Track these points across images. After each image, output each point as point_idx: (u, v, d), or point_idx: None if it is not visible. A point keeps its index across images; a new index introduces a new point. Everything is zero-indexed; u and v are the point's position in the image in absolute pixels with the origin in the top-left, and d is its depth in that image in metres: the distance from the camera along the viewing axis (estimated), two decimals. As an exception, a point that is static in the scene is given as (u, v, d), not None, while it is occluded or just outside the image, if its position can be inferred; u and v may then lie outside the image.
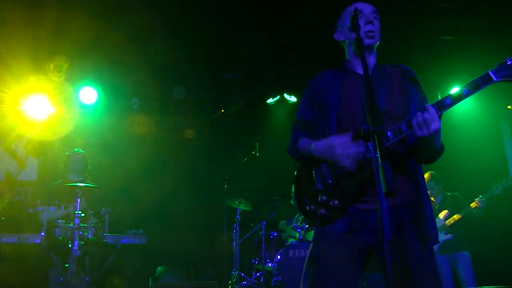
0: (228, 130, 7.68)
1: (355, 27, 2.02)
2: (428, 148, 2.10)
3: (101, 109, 7.02)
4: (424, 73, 6.34)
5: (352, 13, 2.05)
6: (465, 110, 7.32)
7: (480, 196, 5.63)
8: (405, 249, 2.03)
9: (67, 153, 5.52)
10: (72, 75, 6.40)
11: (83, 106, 6.85)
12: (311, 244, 2.27)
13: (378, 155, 1.61)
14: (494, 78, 1.98)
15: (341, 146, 2.11)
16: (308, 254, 2.24)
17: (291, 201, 5.89)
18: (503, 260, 6.24)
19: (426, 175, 5.95)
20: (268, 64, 6.73)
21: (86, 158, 5.53)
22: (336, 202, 2.14)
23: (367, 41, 2.29)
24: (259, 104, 7.53)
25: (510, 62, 1.98)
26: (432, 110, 1.96)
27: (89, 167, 5.50)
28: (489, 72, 1.99)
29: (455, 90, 2.03)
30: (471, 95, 2.00)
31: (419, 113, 1.97)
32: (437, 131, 1.97)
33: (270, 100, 7.50)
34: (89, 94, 6.80)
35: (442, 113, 2.02)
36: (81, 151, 5.56)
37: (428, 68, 6.32)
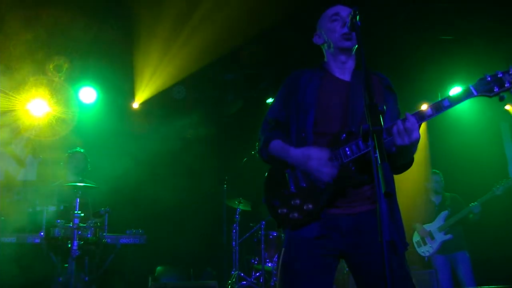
0: (228, 130, 7.68)
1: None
2: (404, 156, 2.12)
3: (101, 108, 7.02)
4: (424, 72, 6.36)
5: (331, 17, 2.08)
6: (465, 111, 7.32)
7: (475, 202, 5.63)
8: (377, 254, 2.02)
9: (68, 152, 5.50)
10: (71, 75, 6.39)
11: (83, 106, 6.85)
12: (283, 249, 2.25)
13: (377, 155, 1.60)
14: (474, 93, 2.05)
15: (318, 161, 2.09)
16: (280, 260, 2.22)
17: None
18: (503, 260, 6.25)
19: (433, 172, 6.00)
20: (268, 64, 6.73)
21: (86, 157, 5.53)
22: (310, 206, 2.12)
23: (344, 43, 2.29)
24: (259, 104, 7.54)
25: (489, 79, 2.04)
26: (412, 119, 1.98)
27: (89, 166, 5.49)
28: (470, 86, 2.06)
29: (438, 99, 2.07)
30: (451, 107, 2.06)
31: (400, 121, 1.99)
32: (417, 140, 1.99)
33: (269, 100, 7.50)
34: (89, 94, 6.80)
35: (421, 123, 2.04)
36: (81, 150, 5.55)
37: (428, 68, 6.32)
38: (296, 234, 2.18)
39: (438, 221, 5.79)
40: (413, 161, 2.23)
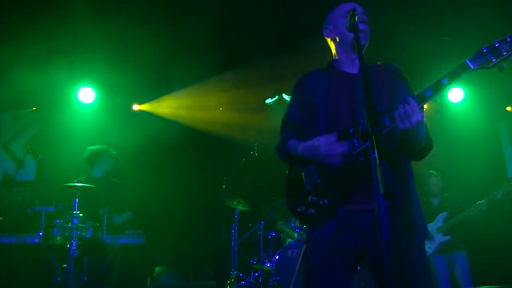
0: (227, 130, 7.67)
1: (353, 27, 2.01)
2: (413, 142, 2.11)
3: (100, 108, 7.03)
4: (423, 73, 6.36)
5: (350, 13, 2.04)
6: (464, 111, 7.34)
7: (482, 200, 5.64)
8: (398, 248, 2.02)
9: (97, 148, 5.53)
10: (71, 74, 6.40)
11: (82, 106, 6.86)
12: (304, 245, 2.28)
13: (376, 155, 1.61)
14: (472, 66, 1.99)
15: (326, 146, 2.11)
16: (301, 255, 2.25)
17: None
18: (500, 260, 6.26)
19: (430, 174, 6.00)
20: (267, 64, 6.74)
21: (116, 157, 5.62)
22: (325, 201, 2.15)
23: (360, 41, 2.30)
24: (258, 104, 7.55)
25: (486, 50, 1.99)
26: (413, 102, 1.96)
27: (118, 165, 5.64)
28: (466, 60, 2.00)
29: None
30: (450, 85, 2.00)
31: (401, 106, 1.97)
32: (419, 123, 1.96)
33: (268, 100, 7.52)
34: (88, 94, 6.82)
35: (423, 105, 2.02)
36: (112, 150, 5.61)
37: (427, 68, 6.32)
38: (315, 230, 2.22)
39: (437, 222, 5.80)
40: (430, 144, 2.21)
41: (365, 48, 2.37)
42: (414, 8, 5.38)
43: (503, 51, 1.96)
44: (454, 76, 1.99)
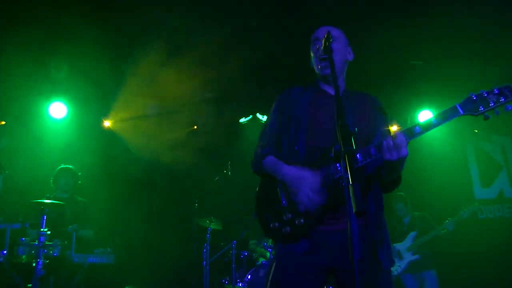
0: (201, 148, 7.64)
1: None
2: (390, 173, 2.17)
3: (71, 124, 6.90)
4: (393, 95, 6.52)
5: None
6: (433, 132, 7.51)
7: (448, 219, 5.78)
8: (366, 269, 2.05)
9: (58, 168, 5.56)
10: (42, 89, 6.29)
11: (53, 121, 6.73)
12: (273, 262, 2.27)
13: (349, 175, 1.63)
14: (461, 112, 2.10)
15: (310, 186, 2.13)
16: (270, 272, 2.23)
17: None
18: (470, 279, 6.39)
19: (395, 197, 6.08)
20: (241, 84, 6.78)
21: (76, 174, 5.59)
22: (302, 221, 2.16)
23: (320, 72, 2.40)
24: (232, 123, 7.56)
25: (475, 98, 2.10)
26: (401, 137, 2.02)
27: (79, 182, 5.59)
28: (457, 105, 2.11)
29: (424, 118, 2.14)
30: (438, 125, 2.11)
31: (390, 137, 2.03)
32: (405, 157, 2.03)
33: (242, 120, 7.54)
34: (59, 109, 6.69)
35: (410, 140, 2.08)
36: (70, 166, 5.59)
37: (397, 91, 6.49)
38: (286, 248, 2.21)
39: (407, 241, 5.88)
40: (400, 179, 2.27)
41: (329, 75, 2.37)
42: (382, 33, 5.53)
43: (490, 102, 2.08)
44: (443, 118, 2.10)
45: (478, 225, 7.10)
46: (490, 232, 7.18)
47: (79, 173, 5.66)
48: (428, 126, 2.10)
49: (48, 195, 5.17)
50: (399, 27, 5.47)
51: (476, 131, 7.95)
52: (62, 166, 5.59)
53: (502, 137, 7.98)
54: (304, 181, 2.14)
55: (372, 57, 5.88)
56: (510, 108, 2.07)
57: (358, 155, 2.09)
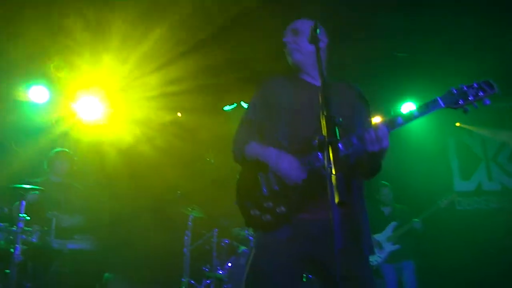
0: (184, 135, 7.60)
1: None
2: (371, 163, 2.22)
3: (54, 109, 6.77)
4: (377, 87, 6.55)
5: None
6: (415, 125, 7.59)
7: (417, 219, 5.89)
8: (346, 258, 2.07)
9: (53, 152, 5.43)
10: (23, 73, 6.16)
11: (33, 105, 6.58)
12: (252, 250, 2.27)
13: (332, 165, 1.64)
14: (442, 104, 2.16)
15: (290, 162, 2.16)
16: (249, 260, 2.24)
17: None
18: (448, 269, 6.53)
19: (381, 184, 6.18)
20: (227, 71, 6.73)
21: (72, 158, 5.48)
22: (283, 209, 2.17)
23: (292, 59, 2.47)
24: (216, 110, 7.52)
25: (455, 92, 2.17)
26: (384, 129, 2.07)
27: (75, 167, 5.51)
28: (438, 98, 2.17)
29: (405, 110, 2.18)
30: (420, 117, 2.16)
31: (372, 129, 2.07)
32: (386, 148, 2.08)
33: (227, 107, 7.51)
34: (40, 93, 6.53)
35: (392, 131, 2.12)
36: (66, 150, 5.50)
37: (381, 83, 6.51)
38: (266, 236, 2.23)
39: (387, 232, 5.96)
40: (381, 167, 2.31)
41: (305, 64, 2.45)
42: (370, 24, 5.53)
43: (469, 96, 2.16)
44: (425, 110, 2.16)
45: (456, 217, 7.23)
46: (467, 224, 7.32)
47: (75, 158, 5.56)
48: (410, 118, 2.15)
49: (35, 180, 5.08)
50: (385, 18, 5.48)
51: (458, 124, 8.06)
52: (58, 150, 5.47)
53: (483, 131, 8.11)
54: (286, 156, 2.18)
55: (356, 48, 5.89)
56: (488, 102, 2.15)
57: (340, 145, 2.11)
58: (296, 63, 2.45)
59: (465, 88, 2.17)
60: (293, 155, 2.19)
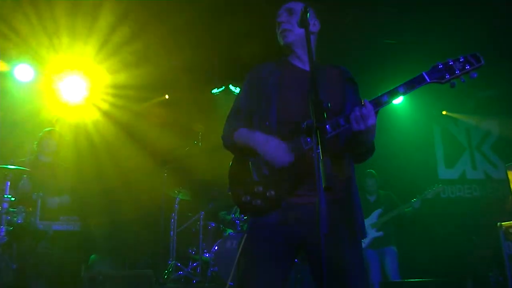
0: (171, 118, 7.56)
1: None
2: (362, 143, 2.18)
3: (39, 87, 6.66)
4: (366, 74, 6.57)
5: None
6: (401, 113, 7.66)
7: (415, 199, 5.95)
8: (336, 242, 2.08)
9: (44, 131, 5.35)
10: (7, 51, 6.04)
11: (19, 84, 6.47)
12: (245, 234, 2.29)
13: (320, 150, 1.65)
14: (427, 80, 2.13)
15: (276, 145, 2.15)
16: (240, 245, 2.26)
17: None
18: (427, 255, 6.66)
19: (368, 174, 6.22)
20: (215, 54, 6.69)
21: (62, 138, 5.45)
22: (272, 192, 2.17)
23: (281, 41, 2.43)
24: (204, 93, 7.49)
25: (441, 66, 2.14)
26: (369, 106, 2.04)
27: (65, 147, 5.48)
28: (423, 73, 2.15)
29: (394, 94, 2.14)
30: (406, 93, 2.14)
31: (357, 108, 2.04)
32: (373, 126, 2.05)
33: (215, 90, 7.47)
34: (25, 71, 6.41)
35: (378, 110, 2.11)
36: (56, 129, 5.45)
37: (369, 70, 6.53)
38: (257, 220, 2.24)
39: (371, 218, 6.04)
40: (373, 149, 2.29)
41: (295, 44, 2.41)
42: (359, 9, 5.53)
43: (456, 70, 2.12)
44: (410, 86, 2.13)
45: (439, 204, 7.35)
46: (450, 211, 7.47)
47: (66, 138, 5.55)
48: (395, 94, 2.12)
49: (22, 159, 5.03)
50: (373, 5, 5.48)
51: (444, 112, 8.14)
52: (48, 129, 5.40)
53: (468, 119, 8.21)
54: (272, 139, 2.17)
55: (345, 35, 5.89)
56: (475, 75, 2.12)
57: (327, 126, 2.10)
58: (287, 45, 2.41)
59: (451, 62, 2.14)
60: (281, 140, 2.19)
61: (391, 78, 6.88)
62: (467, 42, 5.69)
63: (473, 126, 8.28)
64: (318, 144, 1.66)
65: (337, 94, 2.32)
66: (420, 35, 6.00)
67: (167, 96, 7.56)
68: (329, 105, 1.76)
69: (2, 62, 6.14)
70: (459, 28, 5.74)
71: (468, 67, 2.12)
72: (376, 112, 2.08)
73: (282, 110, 2.27)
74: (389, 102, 2.12)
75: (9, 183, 4.32)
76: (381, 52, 6.39)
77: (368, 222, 5.99)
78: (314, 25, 2.46)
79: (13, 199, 4.31)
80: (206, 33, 6.10)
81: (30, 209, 4.50)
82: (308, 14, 2.06)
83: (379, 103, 2.10)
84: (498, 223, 5.46)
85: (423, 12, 5.53)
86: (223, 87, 7.42)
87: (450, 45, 5.85)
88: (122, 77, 6.65)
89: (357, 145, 2.20)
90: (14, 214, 4.38)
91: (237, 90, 7.27)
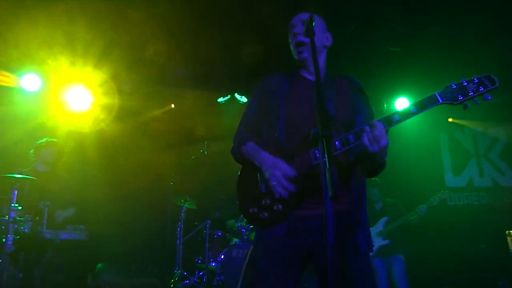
0: (177, 127, 7.58)
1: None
2: (375, 161, 2.15)
3: (46, 97, 6.70)
4: (370, 82, 6.57)
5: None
6: (407, 120, 7.61)
7: (421, 205, 5.91)
8: (343, 254, 2.07)
9: (42, 141, 5.37)
10: (15, 61, 6.09)
11: (26, 93, 6.51)
12: (252, 246, 2.29)
13: (326, 159, 1.64)
14: (440, 100, 2.09)
15: (281, 173, 2.12)
16: (248, 255, 2.26)
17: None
18: (435, 264, 6.59)
19: (371, 182, 6.18)
20: (220, 63, 6.71)
21: (62, 149, 5.46)
22: (280, 206, 2.17)
23: (297, 56, 2.39)
24: (210, 102, 7.51)
25: (454, 87, 2.09)
26: (380, 126, 2.01)
27: (65, 157, 5.49)
28: (436, 94, 2.10)
29: (402, 106, 2.13)
30: (418, 114, 2.10)
31: (368, 130, 2.01)
32: (386, 146, 2.02)
33: (220, 99, 7.49)
34: (32, 81, 6.46)
35: (389, 128, 2.08)
36: (56, 140, 5.45)
37: (374, 77, 6.53)
38: (264, 232, 2.23)
39: (378, 227, 6.00)
40: (384, 165, 2.24)
41: (307, 59, 2.37)
42: (364, 17, 5.53)
43: (470, 91, 2.07)
44: (422, 107, 2.09)
45: (447, 212, 7.30)
46: (457, 219, 7.40)
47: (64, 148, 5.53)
48: (407, 115, 2.09)
49: (21, 170, 5.04)
50: (379, 13, 5.48)
51: (450, 120, 8.11)
52: (48, 139, 5.41)
53: (474, 127, 8.17)
54: (278, 166, 2.14)
55: (351, 43, 5.89)
56: (489, 97, 2.07)
57: (336, 143, 2.09)
58: (302, 60, 2.38)
59: (465, 83, 2.09)
60: (290, 154, 2.17)
61: (396, 85, 6.96)
62: (473, 50, 5.68)
63: (480, 133, 8.22)
64: (324, 153, 1.66)
65: (346, 105, 2.31)
66: (424, 43, 6.00)
67: (173, 105, 7.58)
68: (334, 114, 1.75)
69: (9, 74, 6.18)
70: (464, 35, 5.73)
71: (482, 89, 2.07)
72: (387, 131, 2.05)
73: (290, 122, 2.27)
74: (400, 121, 2.09)
75: (16, 192, 4.33)
76: (386, 59, 6.38)
77: (374, 230, 5.96)
78: (327, 39, 2.45)
79: (20, 208, 4.32)
80: (211, 43, 6.13)
81: (37, 218, 4.51)
82: (314, 23, 2.06)
83: (389, 122, 2.08)
84: (507, 231, 5.41)
85: (428, 18, 5.53)
86: (229, 95, 7.44)
87: (456, 53, 5.84)
88: (127, 87, 6.68)
89: (370, 163, 2.18)
90: (21, 223, 4.39)
91: (242, 98, 7.29)
